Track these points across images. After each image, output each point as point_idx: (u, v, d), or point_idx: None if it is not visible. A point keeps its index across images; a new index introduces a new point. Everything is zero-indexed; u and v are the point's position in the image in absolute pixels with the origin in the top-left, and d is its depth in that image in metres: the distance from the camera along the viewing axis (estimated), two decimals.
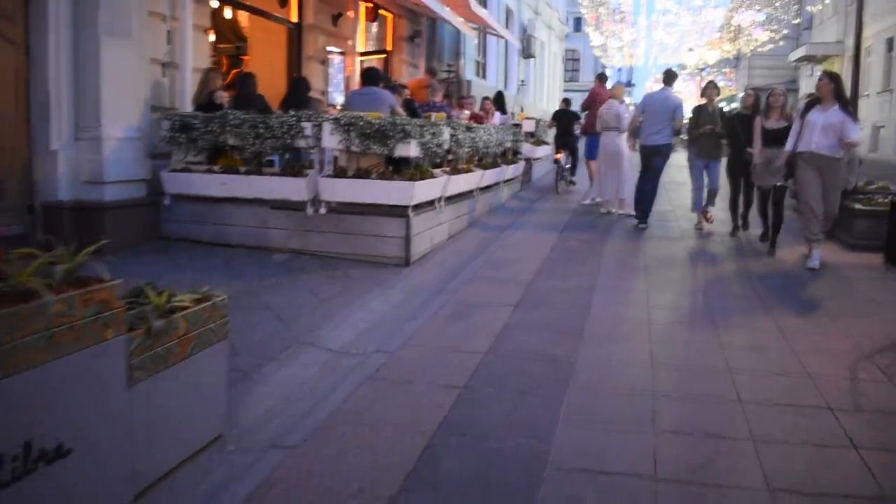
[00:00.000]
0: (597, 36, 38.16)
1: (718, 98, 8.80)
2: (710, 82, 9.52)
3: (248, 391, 4.00)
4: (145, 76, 7.77)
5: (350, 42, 13.55)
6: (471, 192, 9.31)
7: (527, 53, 26.09)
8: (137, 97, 7.57)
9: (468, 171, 9.04)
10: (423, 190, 7.07)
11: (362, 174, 6.96)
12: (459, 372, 4.23)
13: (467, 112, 11.19)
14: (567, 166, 13.56)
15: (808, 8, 29.56)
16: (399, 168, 7.22)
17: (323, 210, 7.06)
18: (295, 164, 7.30)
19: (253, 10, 11.64)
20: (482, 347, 4.66)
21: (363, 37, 14.92)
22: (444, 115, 9.08)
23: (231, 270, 6.59)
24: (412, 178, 6.83)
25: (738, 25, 36.34)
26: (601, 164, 10.48)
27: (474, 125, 9.10)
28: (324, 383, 4.18)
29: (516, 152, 13.33)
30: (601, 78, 11.94)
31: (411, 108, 8.97)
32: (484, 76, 21.87)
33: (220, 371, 3.40)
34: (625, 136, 10.36)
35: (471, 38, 19.10)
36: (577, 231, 9.10)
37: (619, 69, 65.12)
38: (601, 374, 4.25)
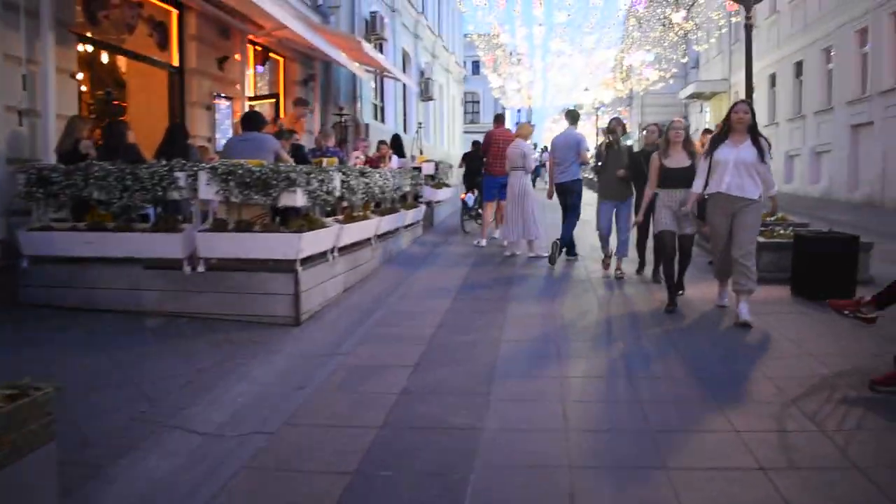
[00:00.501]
0: (495, 78, 38.68)
1: (623, 135, 8.44)
2: (615, 118, 8.86)
3: (97, 494, 3.33)
4: None
5: (238, 86, 12.93)
6: (368, 240, 8.82)
7: (426, 96, 26.03)
8: None
9: (364, 218, 8.56)
10: (312, 242, 6.54)
11: (244, 227, 6.36)
12: (350, 453, 3.69)
13: (361, 156, 10.73)
14: (475, 206, 13.41)
15: (695, 47, 30.75)
16: (287, 219, 6.66)
17: (202, 268, 6.41)
18: (169, 219, 6.62)
19: (129, 54, 10.91)
20: (377, 421, 4.13)
21: (253, 81, 14.34)
22: (335, 160, 8.60)
23: (95, 341, 5.84)
24: (299, 230, 6.29)
25: (630, 65, 37.57)
26: (507, 204, 10.16)
27: (368, 170, 8.65)
28: (189, 476, 3.55)
29: (417, 196, 12.95)
30: (498, 119, 11.72)
31: (300, 154, 8.44)
32: (382, 119, 21.55)
33: (45, 483, 2.76)
34: (528, 176, 10.14)
35: (367, 82, 18.76)
36: (481, 276, 8.72)
37: (518, 110, 66.50)
38: (511, 445, 3.79)
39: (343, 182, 7.56)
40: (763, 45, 27.32)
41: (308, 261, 6.63)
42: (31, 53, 7.56)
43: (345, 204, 8.06)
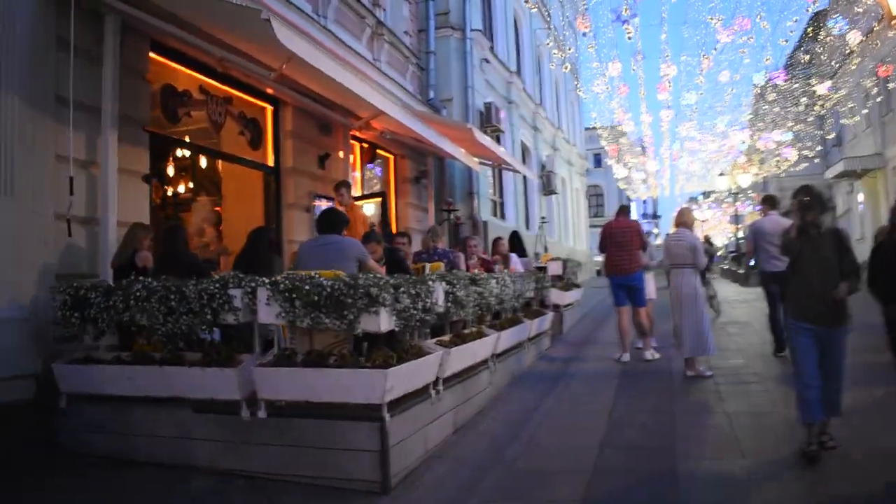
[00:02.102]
0: (619, 169, 36.88)
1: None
2: (806, 187, 5.14)
3: None
4: (37, 235, 5.90)
5: (345, 188, 11.78)
6: (484, 361, 7.07)
7: (547, 190, 24.50)
8: (24, 262, 5.68)
9: (478, 335, 6.84)
10: (406, 377, 4.86)
11: (314, 360, 4.77)
12: None
13: (475, 258, 9.12)
14: None
15: (843, 121, 27.92)
16: (374, 345, 5.04)
17: (263, 413, 4.84)
18: (223, 348, 5.15)
19: (215, 154, 9.97)
20: None
21: (360, 180, 13.25)
22: (440, 265, 7.02)
23: None
24: (386, 363, 4.63)
25: (765, 147, 34.88)
26: (675, 310, 8.15)
27: (483, 276, 6.98)
28: None
29: (542, 301, 11.15)
30: (622, 211, 9.84)
31: (395, 259, 6.90)
32: (502, 216, 20.10)
33: None
34: (698, 275, 8.19)
35: (484, 176, 17.45)
36: (634, 408, 6.72)
37: (644, 201, 64.13)
38: None
39: (448, 294, 5.92)
40: None
41: (402, 401, 4.95)
42: (88, 154, 6.56)
43: (455, 318, 6.39)
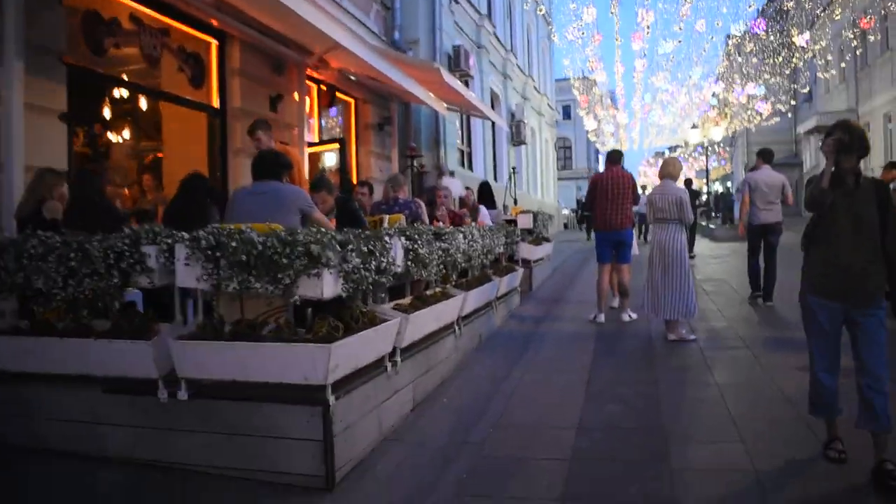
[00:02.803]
0: (590, 120, 36.07)
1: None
2: (843, 123, 4.07)
3: None
4: None
5: (295, 131, 10.85)
6: (449, 325, 6.34)
7: (517, 140, 23.71)
8: None
9: (443, 296, 6.09)
10: (355, 351, 4.09)
11: (245, 331, 3.98)
12: None
13: (444, 210, 8.32)
14: None
15: (820, 74, 27.36)
16: (320, 313, 4.25)
17: (183, 394, 4.06)
18: (136, 316, 4.33)
19: (151, 93, 8.97)
20: None
21: (317, 125, 12.29)
22: (400, 217, 6.22)
23: None
24: (331, 335, 3.85)
25: (737, 101, 34.25)
26: (654, 268, 7.46)
27: (448, 230, 6.18)
28: None
29: (511, 257, 10.44)
30: (613, 158, 8.90)
31: (348, 211, 6.07)
32: (470, 167, 19.29)
33: None
34: (684, 231, 7.49)
35: (451, 123, 16.56)
36: (614, 375, 6.06)
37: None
38: None
39: (408, 251, 5.14)
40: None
41: (353, 377, 4.20)
42: None
43: (416, 277, 5.62)
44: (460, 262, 6.45)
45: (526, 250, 11.52)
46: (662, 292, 7.35)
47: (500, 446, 4.47)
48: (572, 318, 9.02)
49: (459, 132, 18.49)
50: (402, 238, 5.03)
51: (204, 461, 4.09)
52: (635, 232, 9.46)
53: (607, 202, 8.53)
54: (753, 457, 4.02)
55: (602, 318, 8.63)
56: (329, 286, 3.83)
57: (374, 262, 4.24)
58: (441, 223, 7.57)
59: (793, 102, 31.86)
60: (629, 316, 8.58)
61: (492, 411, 5.20)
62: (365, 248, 4.14)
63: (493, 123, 20.61)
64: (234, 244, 3.79)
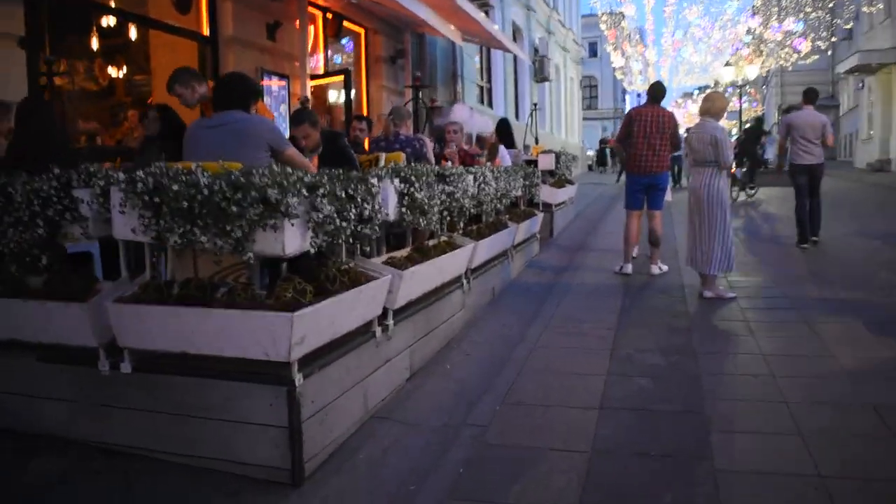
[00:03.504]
0: (617, 57, 34.56)
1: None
2: None
3: None
4: None
5: (297, 63, 9.99)
6: (456, 279, 5.59)
7: (540, 77, 22.56)
8: None
9: (448, 246, 5.32)
10: (328, 318, 3.35)
11: (194, 294, 3.25)
12: None
13: (454, 147, 7.46)
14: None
15: (864, 8, 25.67)
16: (302, 271, 3.50)
17: (127, 366, 3.36)
18: (74, 274, 3.62)
19: (128, 17, 8.13)
20: None
21: (322, 56, 11.40)
22: (401, 156, 5.42)
23: None
24: (295, 301, 3.11)
25: (773, 37, 32.50)
26: (691, 217, 6.63)
27: (454, 171, 5.36)
28: None
29: (531, 200, 9.62)
30: (655, 95, 7.89)
31: (337, 149, 5.24)
32: (490, 104, 18.28)
33: None
34: (724, 175, 6.60)
35: (470, 57, 15.54)
36: (642, 340, 5.30)
37: (639, 94, 61.72)
38: None
39: (403, 195, 4.35)
40: None
41: (331, 348, 3.47)
42: None
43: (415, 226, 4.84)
44: (468, 208, 5.65)
45: (547, 193, 10.69)
46: (699, 244, 6.53)
47: (506, 431, 3.74)
48: (596, 269, 8.23)
49: (479, 67, 17.46)
50: (396, 180, 4.24)
51: (152, 444, 3.42)
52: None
53: (644, 141, 7.62)
54: (816, 458, 3.25)
55: (629, 269, 7.83)
56: (292, 240, 3.07)
57: (354, 210, 3.46)
58: (450, 162, 6.77)
59: (833, 39, 30.10)
60: (659, 268, 7.77)
61: (500, 383, 4.47)
62: (342, 193, 3.35)
63: (515, 58, 19.53)
64: (175, 188, 3.03)
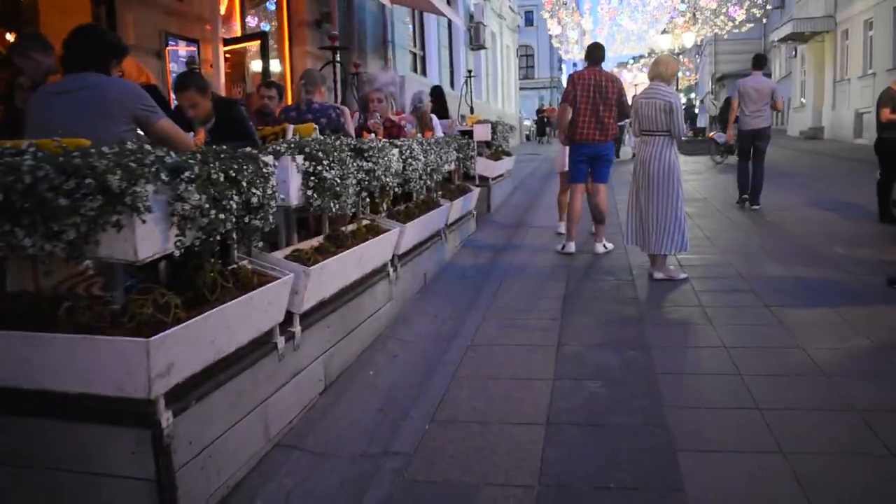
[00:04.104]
0: (554, 25, 34.00)
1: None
2: None
3: None
4: None
5: (209, 26, 9.07)
6: (381, 267, 4.92)
7: (476, 45, 21.85)
8: None
9: (370, 232, 4.64)
10: (202, 339, 2.63)
11: (25, 310, 2.50)
12: None
13: (378, 117, 6.72)
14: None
15: None
16: (180, 275, 2.77)
17: None
18: None
19: None
20: None
21: (239, 19, 10.47)
22: (313, 127, 4.67)
23: None
24: (156, 321, 2.39)
25: (708, 6, 32.35)
26: (638, 192, 6.08)
27: (374, 144, 4.65)
28: None
29: (467, 173, 8.98)
30: (593, 57, 7.30)
31: (231, 119, 4.45)
32: (423, 72, 17.51)
33: None
34: (674, 145, 6.04)
35: (402, 23, 14.72)
36: (595, 332, 4.75)
37: (575, 63, 61.72)
38: None
39: (310, 175, 3.64)
40: None
41: (214, 372, 2.77)
42: None
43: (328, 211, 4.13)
44: (393, 187, 4.96)
45: (484, 166, 10.09)
46: (647, 221, 5.99)
47: (435, 461, 3.11)
48: (537, 248, 7.67)
49: (411, 33, 16.65)
50: (299, 157, 3.52)
51: None
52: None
53: (586, 108, 7.02)
54: (804, 483, 2.72)
55: (573, 247, 7.30)
56: (147, 241, 2.34)
57: (238, 197, 2.74)
58: (373, 135, 6.05)
59: (769, 7, 30.11)
60: (604, 246, 7.25)
61: (431, 392, 3.84)
62: (220, 176, 2.63)
63: (450, 25, 18.77)
64: None
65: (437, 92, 10.51)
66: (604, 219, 7.29)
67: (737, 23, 30.24)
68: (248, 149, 3.03)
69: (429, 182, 6.08)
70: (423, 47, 17.70)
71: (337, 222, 4.53)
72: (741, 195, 10.09)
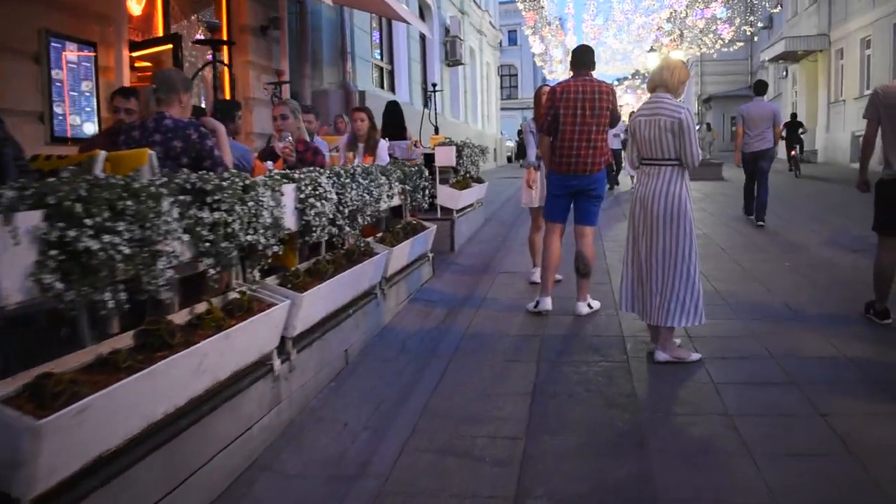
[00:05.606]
0: (536, 42, 32.70)
1: None
2: None
3: None
4: None
5: (112, 27, 7.48)
6: (254, 364, 3.29)
7: (452, 59, 20.36)
8: None
9: (219, 323, 3.01)
10: None
11: None
12: None
13: (289, 139, 5.06)
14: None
15: None
16: None
17: None
18: None
19: None
20: None
21: (159, 20, 8.89)
22: (145, 154, 3.05)
23: None
24: None
25: (694, 24, 31.18)
26: (637, 241, 4.46)
27: (222, 181, 3.02)
28: None
29: (432, 204, 7.40)
30: (581, 61, 5.62)
31: None
32: (391, 88, 15.95)
33: None
34: (686, 178, 4.41)
35: (362, 30, 13.19)
36: (577, 458, 3.14)
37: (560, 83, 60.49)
38: None
39: (53, 246, 2.02)
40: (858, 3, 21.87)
41: None
42: None
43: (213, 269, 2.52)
44: (267, 244, 3.31)
45: (447, 196, 8.52)
46: (649, 282, 4.40)
47: None
48: (503, 306, 6.06)
49: (378, 44, 15.13)
50: (37, 214, 1.92)
51: None
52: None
53: (573, 128, 5.39)
54: None
55: (548, 304, 5.68)
56: None
57: None
58: (269, 164, 4.42)
59: (759, 25, 28.96)
60: (589, 306, 5.64)
61: None
62: None
63: (424, 38, 17.30)
64: None
65: (392, 108, 8.94)
66: (589, 272, 5.65)
67: (726, 41, 29.03)
68: None
69: (347, 227, 4.45)
70: (391, 61, 16.16)
71: (169, 307, 2.90)
72: (746, 214, 10.58)
